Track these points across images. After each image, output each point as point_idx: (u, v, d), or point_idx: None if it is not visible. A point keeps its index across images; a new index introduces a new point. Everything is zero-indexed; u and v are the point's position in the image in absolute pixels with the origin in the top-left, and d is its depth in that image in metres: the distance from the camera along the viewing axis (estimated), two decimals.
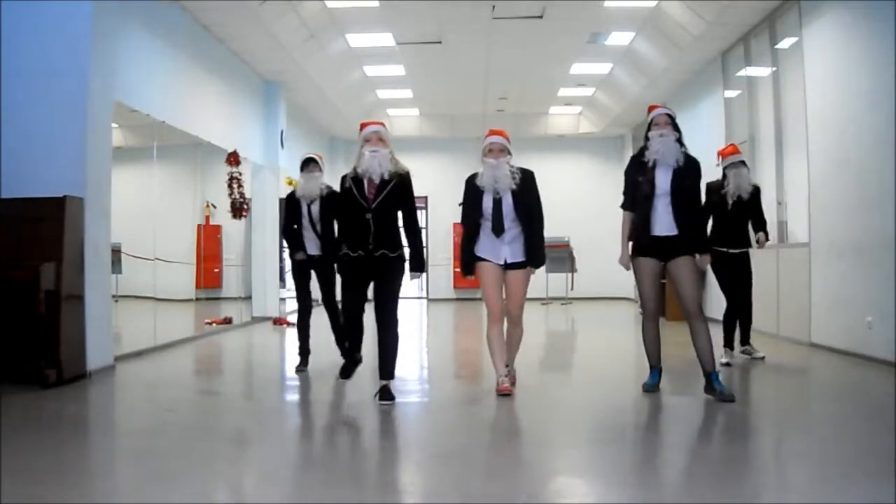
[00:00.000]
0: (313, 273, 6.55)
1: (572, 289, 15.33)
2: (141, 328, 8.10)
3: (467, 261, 5.30)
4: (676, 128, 5.18)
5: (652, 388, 5.29)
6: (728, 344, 6.67)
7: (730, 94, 10.28)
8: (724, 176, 6.54)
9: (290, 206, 6.49)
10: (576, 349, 9.19)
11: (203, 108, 9.33)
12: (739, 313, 6.71)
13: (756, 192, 6.67)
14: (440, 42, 11.02)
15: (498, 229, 5.17)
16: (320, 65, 11.18)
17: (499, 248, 5.21)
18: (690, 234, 5.11)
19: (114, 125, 6.68)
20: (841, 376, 6.00)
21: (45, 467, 3.51)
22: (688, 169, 5.10)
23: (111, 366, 6.33)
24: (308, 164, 6.43)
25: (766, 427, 4.63)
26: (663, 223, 5.08)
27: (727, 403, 4.84)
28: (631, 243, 5.30)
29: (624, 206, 5.36)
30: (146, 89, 7.69)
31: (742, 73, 9.78)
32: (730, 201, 6.45)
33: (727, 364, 6.45)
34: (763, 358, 6.70)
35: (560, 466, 3.76)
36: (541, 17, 9.84)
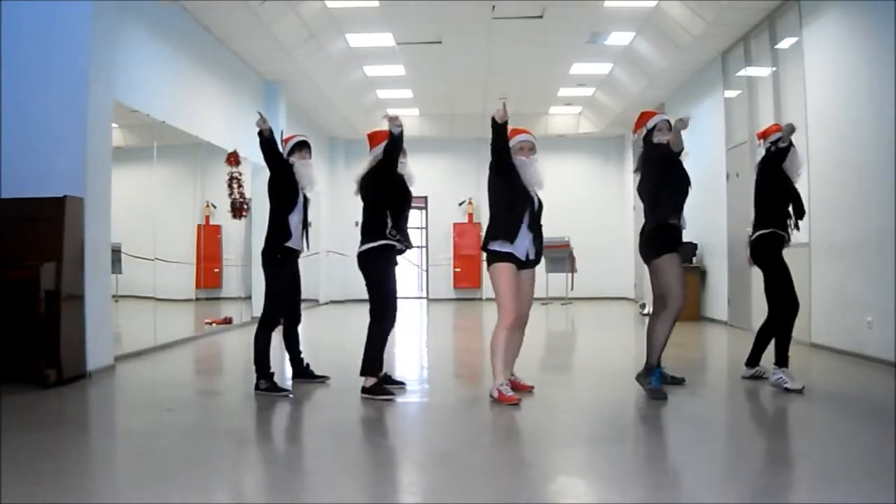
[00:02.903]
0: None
1: (572, 289, 15.32)
2: (141, 328, 8.10)
3: (514, 232, 5.00)
4: None
5: (662, 391, 5.04)
6: (784, 361, 5.32)
7: (730, 94, 10.27)
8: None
9: (291, 190, 5.45)
10: (576, 349, 9.19)
11: (203, 108, 9.33)
12: (791, 319, 5.41)
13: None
14: (440, 42, 11.02)
15: (537, 225, 5.11)
16: (320, 65, 11.18)
17: (525, 243, 5.04)
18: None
19: (114, 125, 6.68)
20: (841, 376, 6.01)
21: (45, 468, 3.50)
22: None
23: (111, 366, 6.33)
24: (302, 147, 5.62)
25: (766, 427, 4.63)
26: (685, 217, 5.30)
27: (723, 404, 4.84)
28: (649, 238, 5.26)
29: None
30: (146, 89, 7.69)
31: (742, 73, 9.77)
32: (795, 178, 5.46)
33: (801, 389, 5.14)
34: (802, 389, 5.16)
35: (560, 466, 3.76)
36: (541, 17, 9.84)
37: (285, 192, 5.45)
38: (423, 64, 12.21)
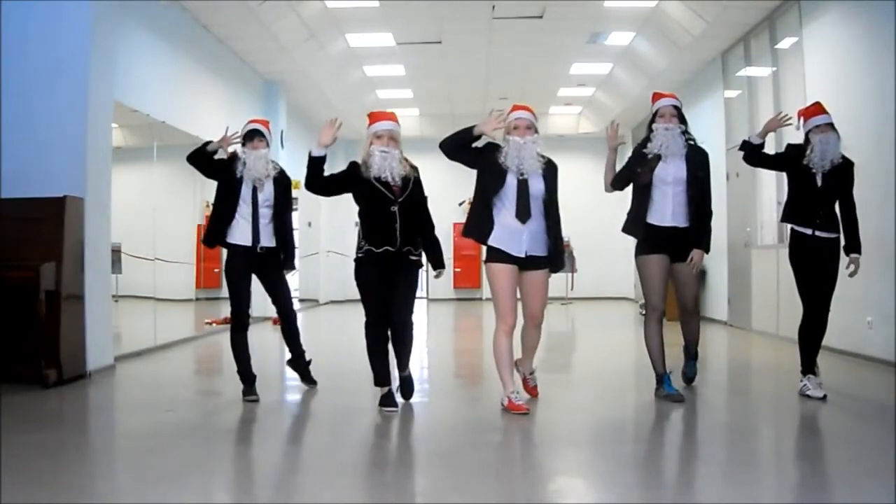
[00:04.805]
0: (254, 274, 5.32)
1: (572, 289, 15.33)
2: (141, 328, 8.10)
3: (486, 227, 4.63)
4: (682, 119, 5.07)
5: (678, 395, 4.95)
6: (808, 368, 5.07)
7: (730, 94, 10.27)
8: (807, 141, 5.07)
9: (227, 183, 5.15)
10: (576, 349, 9.19)
11: (203, 108, 9.33)
12: (811, 326, 5.10)
13: (846, 166, 5.06)
14: (440, 42, 11.01)
15: (523, 213, 4.59)
16: (320, 65, 11.18)
17: (518, 237, 4.62)
18: (700, 227, 5.04)
19: (114, 125, 6.68)
20: (841, 376, 6.00)
21: (45, 467, 3.50)
22: (697, 160, 5.04)
23: (111, 366, 6.32)
24: (253, 136, 5.15)
25: (766, 427, 4.62)
26: (677, 213, 4.99)
27: (723, 404, 4.84)
28: (635, 239, 5.14)
29: (611, 184, 5.38)
30: (146, 89, 7.69)
31: (742, 73, 9.77)
32: (815, 172, 4.98)
33: (823, 397, 4.91)
34: (824, 398, 4.93)
35: (560, 466, 3.76)
36: (541, 17, 9.84)
37: (220, 189, 5.22)
38: (423, 64, 12.20)
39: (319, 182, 4.78)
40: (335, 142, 4.75)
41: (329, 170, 4.82)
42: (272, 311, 5.83)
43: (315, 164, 4.72)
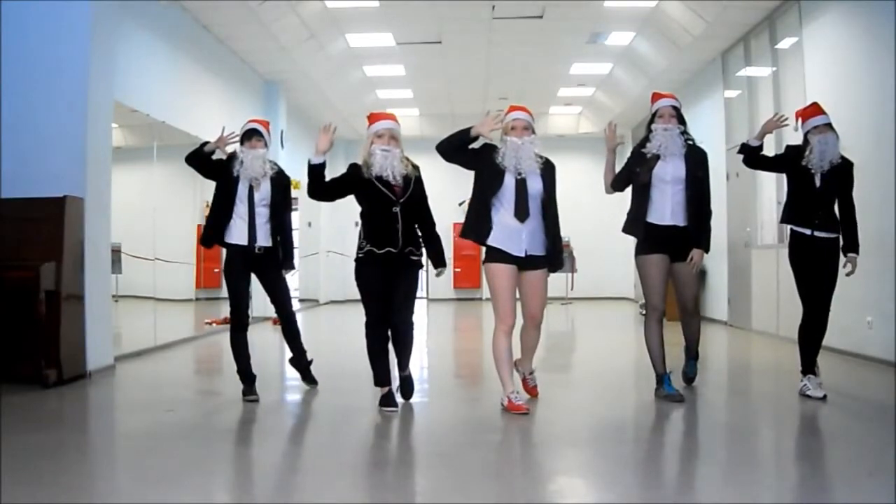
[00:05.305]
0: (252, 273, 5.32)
1: (572, 289, 15.33)
2: (141, 328, 8.10)
3: (484, 228, 4.62)
4: (682, 120, 5.07)
5: (677, 395, 4.94)
6: (808, 368, 5.04)
7: (730, 94, 10.28)
8: (807, 142, 5.07)
9: (224, 182, 5.15)
10: (576, 349, 9.19)
11: (203, 108, 9.33)
12: (811, 326, 5.08)
13: (846, 166, 5.05)
14: (440, 42, 11.02)
15: (522, 213, 4.60)
16: (320, 65, 11.18)
17: (518, 237, 4.63)
18: (699, 226, 5.03)
19: (114, 125, 6.68)
20: (841, 376, 6.01)
21: (45, 468, 3.50)
22: (697, 160, 5.03)
23: (111, 366, 6.33)
24: (251, 136, 5.16)
25: (766, 427, 4.63)
26: (676, 212, 4.98)
27: (723, 404, 4.84)
28: (635, 239, 5.13)
29: (611, 185, 5.38)
30: (146, 89, 7.69)
31: (742, 73, 9.78)
32: (814, 172, 4.97)
33: (823, 397, 4.90)
34: (824, 398, 4.92)
35: (560, 466, 3.76)
36: (541, 17, 9.84)
37: (219, 188, 5.21)
38: (423, 64, 12.20)
39: (321, 188, 4.81)
40: (332, 146, 4.76)
41: (329, 172, 4.82)
42: (272, 310, 5.85)
43: (315, 171, 4.72)
